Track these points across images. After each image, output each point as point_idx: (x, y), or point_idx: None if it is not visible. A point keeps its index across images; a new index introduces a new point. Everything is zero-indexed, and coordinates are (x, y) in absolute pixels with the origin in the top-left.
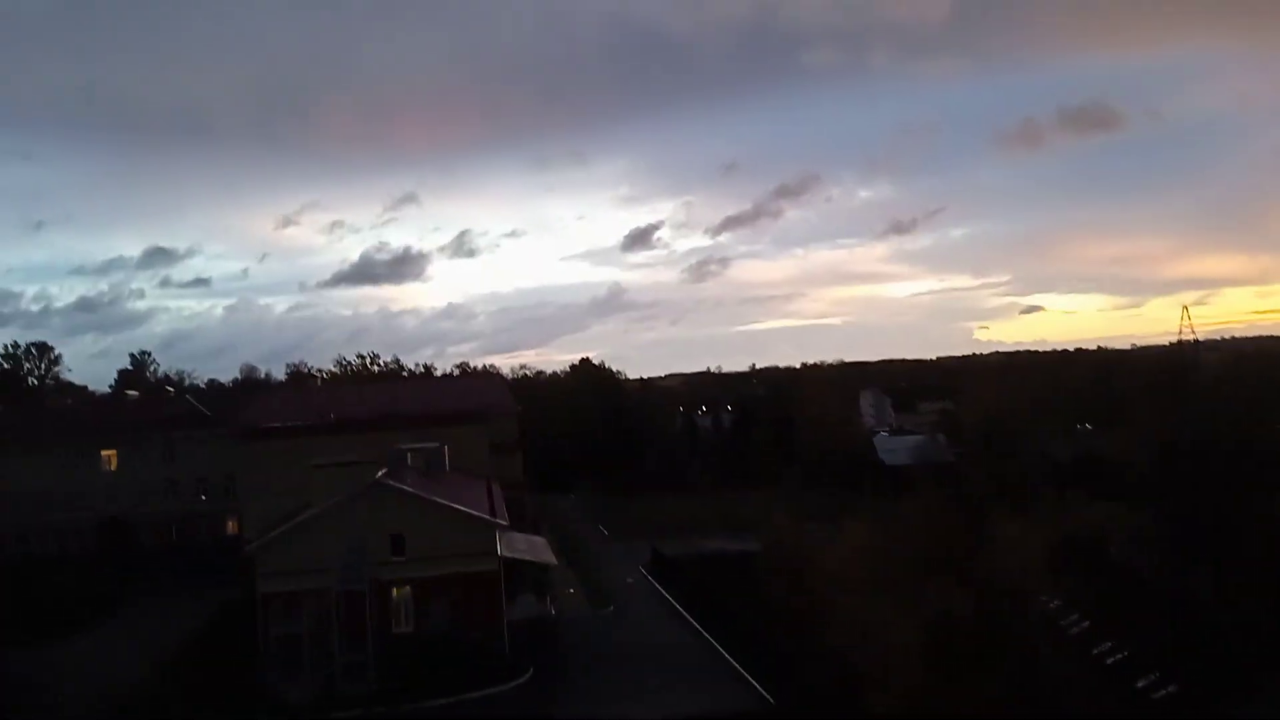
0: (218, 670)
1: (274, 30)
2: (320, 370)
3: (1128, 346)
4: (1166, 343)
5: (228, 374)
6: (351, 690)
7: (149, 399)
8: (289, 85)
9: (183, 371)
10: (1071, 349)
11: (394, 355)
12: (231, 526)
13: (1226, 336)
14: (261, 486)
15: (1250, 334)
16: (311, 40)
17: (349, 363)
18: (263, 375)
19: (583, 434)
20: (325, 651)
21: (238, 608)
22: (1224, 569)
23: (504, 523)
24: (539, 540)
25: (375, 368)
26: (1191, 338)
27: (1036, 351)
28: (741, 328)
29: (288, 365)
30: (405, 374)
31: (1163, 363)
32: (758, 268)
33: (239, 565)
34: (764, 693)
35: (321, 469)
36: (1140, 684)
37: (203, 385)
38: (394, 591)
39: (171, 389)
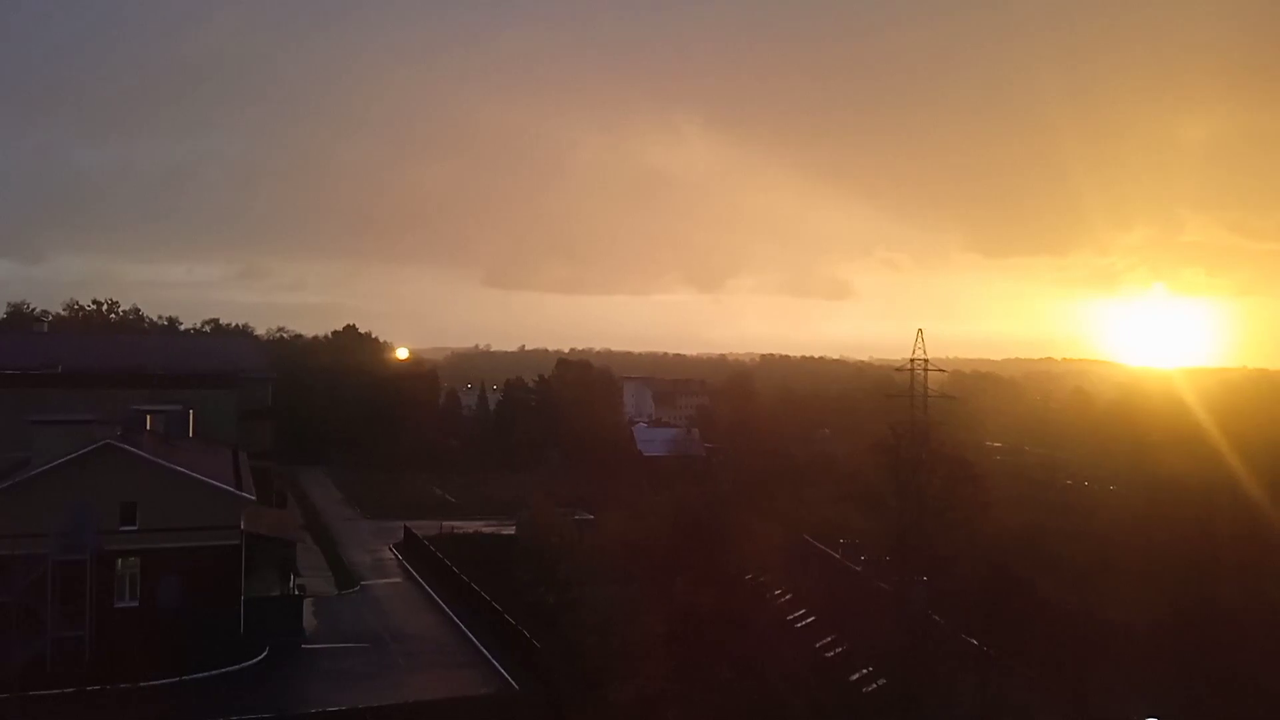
0: None
1: None
2: (48, 313)
3: (866, 358)
4: (899, 359)
5: None
6: (64, 667)
7: None
8: None
9: None
10: (816, 356)
11: (134, 305)
12: None
13: (951, 356)
14: None
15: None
16: None
17: (81, 307)
18: None
19: (340, 405)
20: (36, 624)
21: None
22: (937, 576)
23: (249, 496)
24: (286, 515)
25: (113, 316)
26: (922, 358)
27: (786, 356)
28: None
29: (7, 304)
30: (147, 325)
31: (895, 379)
32: None
33: None
34: (510, 679)
35: (43, 425)
36: (854, 677)
37: None
38: (119, 563)
39: None
